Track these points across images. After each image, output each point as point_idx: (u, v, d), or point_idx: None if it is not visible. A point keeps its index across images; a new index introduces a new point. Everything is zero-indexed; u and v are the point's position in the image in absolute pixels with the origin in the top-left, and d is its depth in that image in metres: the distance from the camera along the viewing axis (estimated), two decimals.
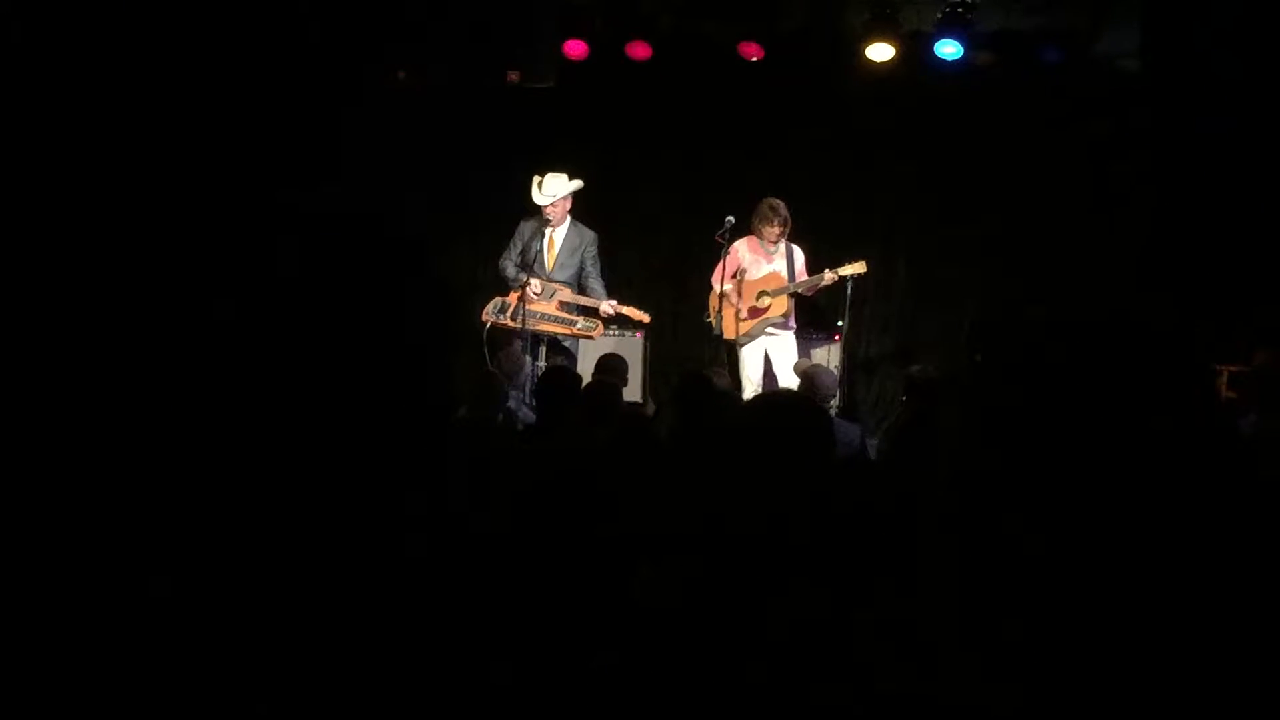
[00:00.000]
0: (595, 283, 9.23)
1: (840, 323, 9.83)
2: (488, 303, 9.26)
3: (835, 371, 9.26)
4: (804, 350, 9.69)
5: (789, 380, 8.97)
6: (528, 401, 7.73)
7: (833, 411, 8.23)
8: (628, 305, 9.25)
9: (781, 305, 9.30)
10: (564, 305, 9.13)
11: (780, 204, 9.28)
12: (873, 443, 7.93)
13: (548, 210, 9.11)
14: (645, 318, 9.33)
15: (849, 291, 9.31)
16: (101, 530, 1.53)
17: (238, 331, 1.55)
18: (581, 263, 9.25)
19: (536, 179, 9.18)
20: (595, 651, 2.40)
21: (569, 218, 9.27)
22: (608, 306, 9.11)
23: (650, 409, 9.64)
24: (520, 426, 6.67)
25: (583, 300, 9.15)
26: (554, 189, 9.10)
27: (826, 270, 9.20)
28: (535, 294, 9.00)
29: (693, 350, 10.94)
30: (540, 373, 8.06)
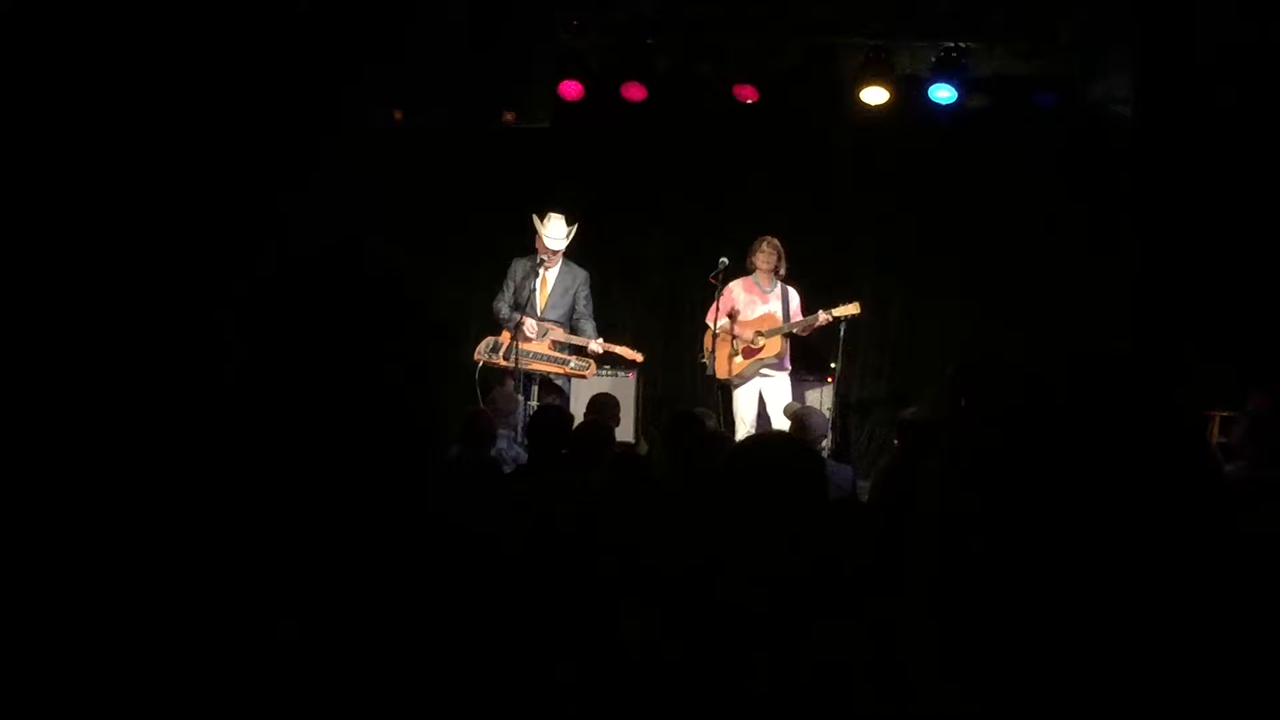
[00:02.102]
0: (586, 323, 9.24)
1: (833, 364, 9.84)
2: (480, 342, 9.26)
3: (827, 413, 9.26)
4: (798, 391, 9.70)
5: (783, 422, 8.97)
6: (519, 441, 7.73)
7: (825, 453, 8.22)
8: (621, 345, 9.27)
9: (776, 346, 9.32)
10: (556, 344, 9.15)
11: (775, 241, 9.33)
12: (864, 484, 7.92)
13: (547, 251, 9.14)
14: (638, 357, 9.35)
15: (842, 333, 9.32)
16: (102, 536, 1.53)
17: (221, 358, 1.56)
18: (573, 302, 9.27)
19: (536, 218, 9.20)
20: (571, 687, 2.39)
21: (562, 257, 9.30)
22: (596, 346, 9.12)
23: (643, 449, 9.63)
24: (510, 466, 6.65)
25: (574, 340, 9.17)
26: (559, 231, 9.14)
27: (820, 311, 9.22)
28: (531, 335, 9.01)
29: (686, 390, 10.94)
30: (532, 412, 8.06)
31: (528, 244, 9.28)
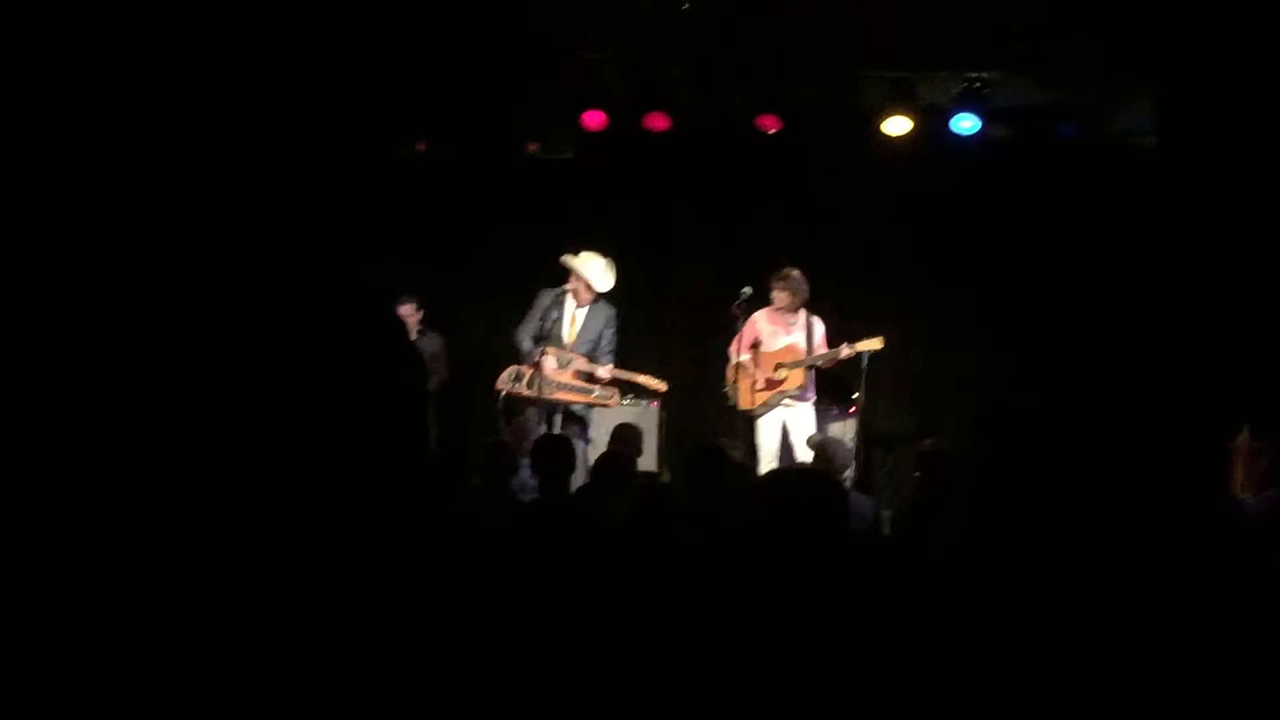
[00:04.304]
0: (606, 358, 9.22)
1: (856, 395, 9.81)
2: (503, 372, 9.27)
3: (850, 444, 9.23)
4: (821, 423, 9.67)
5: (806, 453, 8.95)
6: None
7: (848, 484, 8.20)
8: (643, 374, 9.26)
9: (799, 378, 9.31)
10: (579, 374, 9.13)
11: (788, 272, 9.32)
12: (887, 514, 7.90)
13: (581, 289, 9.11)
14: (661, 386, 9.35)
15: (865, 365, 9.31)
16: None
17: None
18: (599, 338, 9.25)
19: (571, 258, 9.14)
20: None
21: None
22: (604, 372, 9.10)
23: (666, 478, 9.62)
24: (531, 495, 6.63)
25: (594, 368, 9.13)
26: (603, 273, 9.11)
27: (844, 345, 9.22)
28: (552, 368, 8.99)
29: (709, 420, 10.92)
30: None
31: (553, 275, 9.27)
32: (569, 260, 9.15)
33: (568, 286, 9.13)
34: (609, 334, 9.28)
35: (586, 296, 9.19)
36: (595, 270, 9.11)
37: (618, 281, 9.46)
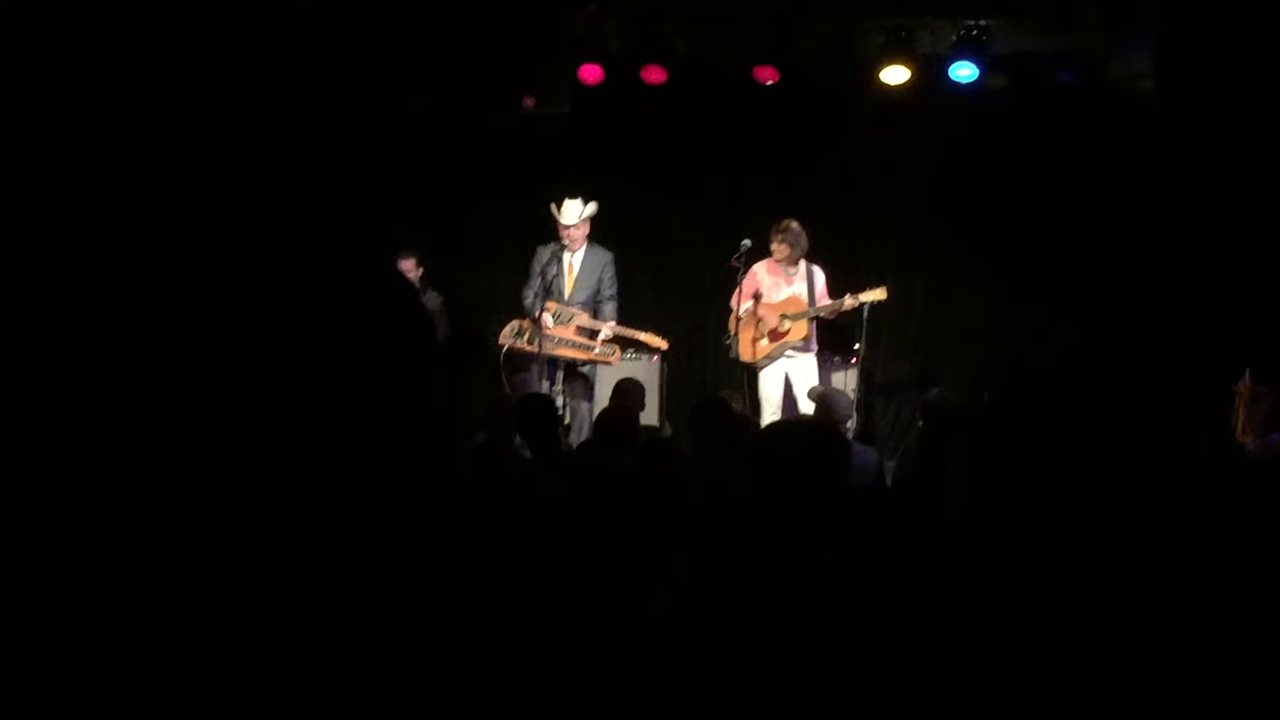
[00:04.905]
0: (607, 305, 9.24)
1: (858, 345, 9.83)
2: (504, 327, 9.30)
3: (852, 395, 9.24)
4: (823, 373, 9.68)
5: (809, 404, 8.96)
6: None
7: (850, 435, 8.22)
8: (644, 330, 9.28)
9: (802, 329, 9.31)
10: (581, 330, 9.15)
11: (787, 224, 9.30)
12: (890, 465, 7.92)
13: (568, 233, 9.14)
14: (662, 344, 9.37)
15: (865, 315, 9.31)
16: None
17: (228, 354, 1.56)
18: (599, 283, 9.27)
19: (554, 205, 9.21)
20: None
21: (586, 241, 9.30)
22: (606, 330, 9.13)
23: (667, 432, 9.65)
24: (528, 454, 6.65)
25: (596, 325, 9.15)
26: (575, 210, 9.15)
27: (847, 296, 9.21)
28: (549, 324, 9.00)
29: (711, 373, 10.95)
30: (555, 397, 8.10)
31: (550, 231, 9.27)
32: (553, 209, 9.19)
33: (563, 239, 9.16)
34: (608, 277, 9.29)
35: (578, 240, 9.21)
36: (567, 208, 9.15)
37: (616, 234, 9.45)
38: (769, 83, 10.42)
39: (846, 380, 10.02)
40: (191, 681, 1.46)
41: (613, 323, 9.16)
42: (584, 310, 9.20)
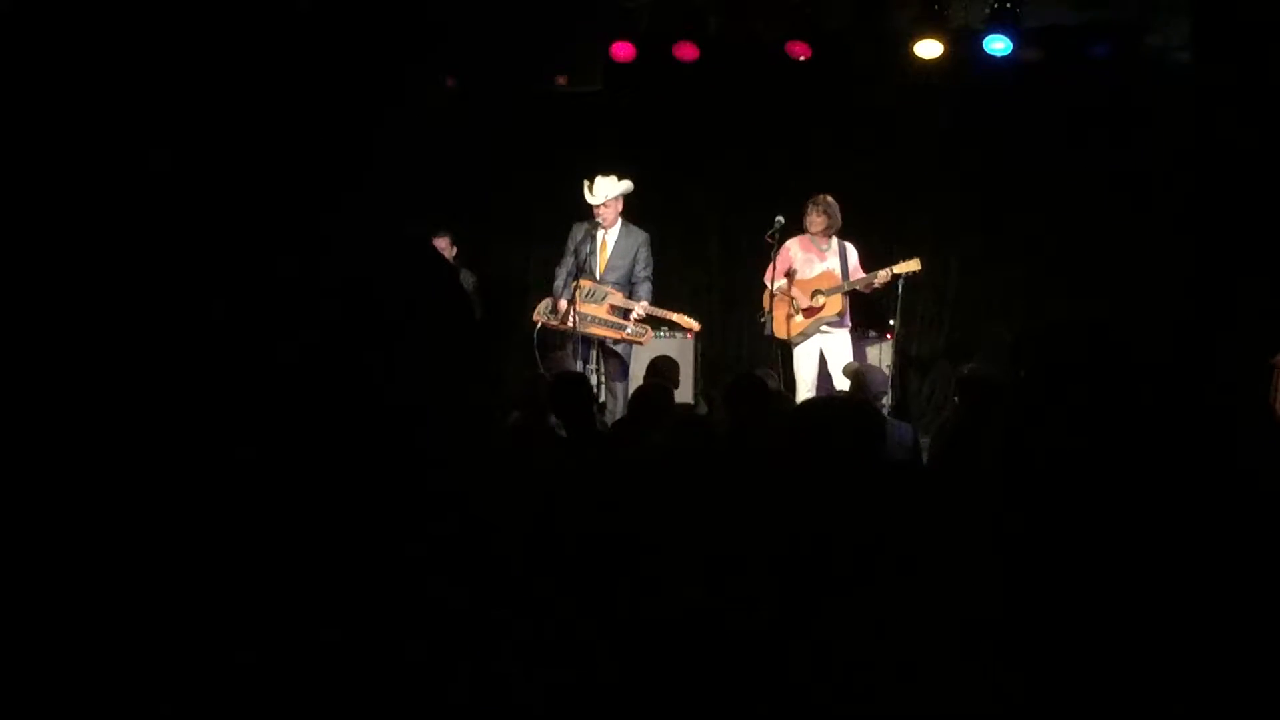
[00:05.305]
0: (641, 286, 9.24)
1: (892, 320, 9.81)
2: (538, 304, 9.34)
3: (887, 370, 9.23)
4: (858, 348, 9.67)
5: (843, 380, 8.96)
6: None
7: (885, 410, 8.21)
8: (677, 310, 9.28)
9: (836, 304, 9.29)
10: (615, 309, 9.15)
11: (823, 197, 9.29)
12: (926, 441, 7.91)
13: (598, 211, 9.15)
14: (694, 326, 9.38)
15: (899, 289, 9.29)
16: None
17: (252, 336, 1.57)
18: (634, 263, 9.27)
19: (586, 182, 9.23)
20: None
21: (620, 220, 9.30)
22: (639, 309, 9.13)
23: (702, 410, 9.65)
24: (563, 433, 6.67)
25: (630, 304, 9.16)
26: (605, 190, 9.16)
27: (880, 269, 9.19)
28: (583, 300, 9.01)
29: (745, 350, 10.95)
30: (589, 375, 8.11)
31: (586, 207, 9.28)
32: (585, 187, 9.21)
33: (596, 218, 9.18)
34: (644, 258, 9.29)
35: (610, 219, 9.22)
36: (599, 185, 9.16)
37: (649, 212, 9.44)
38: (801, 58, 10.38)
39: (881, 355, 10.01)
40: (191, 679, 1.48)
41: (646, 302, 9.16)
42: (617, 290, 9.20)
